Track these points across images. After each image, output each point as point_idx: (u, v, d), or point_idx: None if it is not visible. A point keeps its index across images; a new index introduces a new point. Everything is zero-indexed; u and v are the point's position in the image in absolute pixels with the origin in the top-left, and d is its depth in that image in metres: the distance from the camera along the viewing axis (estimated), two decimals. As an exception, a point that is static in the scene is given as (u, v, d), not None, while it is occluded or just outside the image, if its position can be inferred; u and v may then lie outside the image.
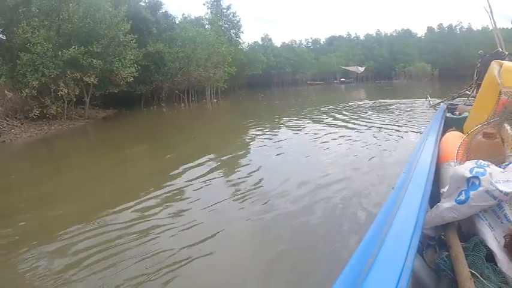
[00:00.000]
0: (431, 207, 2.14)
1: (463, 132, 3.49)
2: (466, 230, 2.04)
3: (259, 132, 16.21)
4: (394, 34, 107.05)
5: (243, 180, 8.79)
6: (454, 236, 1.89)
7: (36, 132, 21.29)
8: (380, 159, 9.91)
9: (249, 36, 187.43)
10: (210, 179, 9.07)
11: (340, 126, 16.29)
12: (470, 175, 1.95)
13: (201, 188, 8.44)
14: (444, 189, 2.21)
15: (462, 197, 1.94)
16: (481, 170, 1.95)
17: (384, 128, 14.76)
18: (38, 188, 9.74)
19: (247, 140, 15.05)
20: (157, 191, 8.41)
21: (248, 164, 10.59)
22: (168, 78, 39.25)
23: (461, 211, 1.93)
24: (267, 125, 18.87)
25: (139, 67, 30.45)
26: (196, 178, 9.20)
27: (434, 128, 4.11)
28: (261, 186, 8.19)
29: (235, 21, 70.00)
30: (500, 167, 2.09)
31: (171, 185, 8.86)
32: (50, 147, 18.32)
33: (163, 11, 44.73)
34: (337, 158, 10.39)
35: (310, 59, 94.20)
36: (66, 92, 24.13)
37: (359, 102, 29.36)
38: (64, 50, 23.75)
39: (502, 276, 1.64)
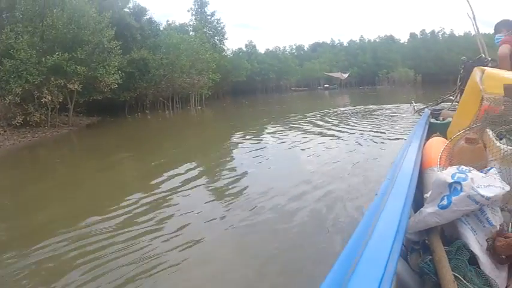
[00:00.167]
0: (416, 212, 2.17)
1: (446, 138, 3.55)
2: (449, 234, 2.08)
3: (245, 140, 16.12)
4: (377, 40, 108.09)
5: (227, 188, 8.72)
6: (438, 240, 1.92)
7: (20, 140, 20.92)
8: (365, 165, 9.90)
9: (233, 43, 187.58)
10: (194, 186, 9.00)
11: (325, 133, 16.23)
12: (452, 180, 1.99)
13: (185, 195, 8.36)
14: (427, 195, 2.25)
15: (444, 202, 1.97)
16: (463, 176, 1.99)
17: (369, 134, 14.75)
18: (18, 196, 9.64)
19: (232, 147, 14.97)
20: (142, 199, 8.26)
21: (233, 171, 10.51)
22: (153, 85, 39.05)
23: (443, 216, 1.96)
24: (252, 132, 18.73)
25: (123, 74, 30.17)
26: (180, 185, 9.16)
27: (418, 133, 4.15)
28: (246, 193, 8.09)
29: (220, 28, 70.09)
30: (482, 172, 2.14)
31: (155, 192, 8.74)
32: (33, 155, 18.05)
33: (148, 17, 44.64)
34: (322, 165, 10.32)
35: (294, 65, 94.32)
36: (49, 99, 23.85)
37: (343, 108, 29.28)
38: (48, 56, 23.51)
39: (485, 278, 1.68)
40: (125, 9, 39.38)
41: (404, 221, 1.83)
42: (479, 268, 1.76)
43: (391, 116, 21.14)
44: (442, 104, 9.14)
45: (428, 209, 2.04)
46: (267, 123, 22.95)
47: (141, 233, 6.14)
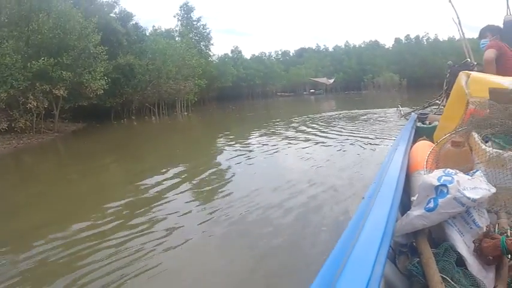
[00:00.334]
0: (403, 215, 2.18)
1: (433, 141, 3.57)
2: (436, 236, 2.08)
3: (232, 145, 15.99)
4: (362, 45, 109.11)
5: (212, 193, 8.70)
6: (425, 243, 1.93)
7: (4, 146, 20.60)
8: (353, 168, 9.91)
9: (218, 49, 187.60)
10: (179, 192, 8.93)
11: (313, 138, 16.16)
12: (439, 183, 1.99)
13: (170, 200, 8.30)
14: (414, 198, 2.26)
15: (431, 205, 1.97)
16: (449, 178, 2.00)
17: (357, 138, 14.72)
18: (4, 201, 9.57)
19: (220, 153, 14.83)
20: (127, 204, 8.32)
21: (219, 177, 10.46)
22: (138, 90, 38.95)
23: (430, 218, 1.97)
24: (240, 138, 18.63)
25: (109, 79, 30.10)
26: (166, 190, 9.13)
27: (404, 137, 4.16)
28: (231, 199, 7.97)
29: (206, 34, 70.10)
30: (468, 174, 2.15)
31: (141, 197, 8.78)
32: (18, 162, 17.91)
33: (134, 22, 44.54)
34: (310, 168, 10.33)
35: (279, 70, 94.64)
36: (35, 104, 23.67)
37: (330, 113, 29.18)
38: (33, 62, 23.38)
39: (472, 279, 1.68)
40: (111, 15, 39.30)
41: (392, 224, 1.83)
42: (467, 269, 1.76)
43: (378, 121, 21.15)
44: (429, 108, 9.22)
45: (415, 211, 2.05)
46: (254, 128, 22.82)
47: (127, 239, 6.10)
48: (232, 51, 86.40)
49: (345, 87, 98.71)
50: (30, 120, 24.48)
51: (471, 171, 2.26)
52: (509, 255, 1.70)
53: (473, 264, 1.79)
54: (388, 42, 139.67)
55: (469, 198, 1.89)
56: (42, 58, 23.74)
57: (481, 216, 1.97)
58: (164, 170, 11.38)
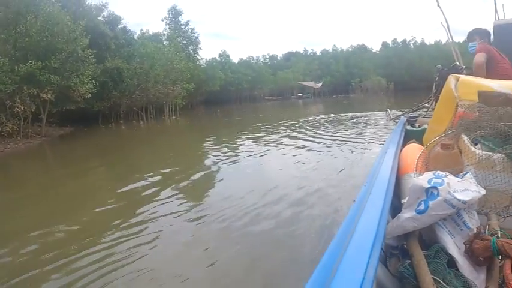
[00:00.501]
0: (393, 217, 2.19)
1: (422, 144, 3.59)
2: (427, 238, 2.09)
3: (220, 149, 15.97)
4: (349, 49, 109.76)
5: (203, 198, 8.67)
6: (416, 245, 1.93)
7: (-9, 150, 20.51)
8: (347, 172, 9.91)
9: (206, 53, 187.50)
10: (167, 196, 8.86)
11: (302, 142, 16.07)
12: (429, 186, 2.00)
13: (156, 204, 8.22)
14: (405, 200, 2.27)
15: (422, 207, 1.98)
16: (439, 181, 2.01)
17: (348, 142, 14.74)
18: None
19: (209, 158, 14.59)
20: (114, 207, 8.35)
21: (208, 181, 10.50)
22: (126, 94, 38.72)
23: (421, 220, 1.98)
24: (229, 142, 18.67)
25: (97, 83, 29.83)
26: (153, 194, 9.11)
27: (394, 140, 4.19)
28: (219, 204, 7.86)
29: (194, 38, 70.04)
30: (458, 176, 2.16)
31: (128, 202, 8.77)
32: (5, 167, 17.70)
33: (122, 26, 44.30)
34: (301, 173, 10.28)
35: (267, 74, 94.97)
36: (22, 108, 23.43)
37: (319, 117, 29.22)
38: (21, 65, 23.15)
39: (464, 280, 1.69)
40: (99, 18, 39.02)
41: (383, 227, 1.84)
42: (458, 271, 1.77)
43: (368, 124, 21.28)
44: (418, 111, 9.26)
45: (406, 214, 2.06)
46: (243, 132, 22.61)
47: (112, 244, 6.07)
48: (220, 55, 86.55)
49: (332, 91, 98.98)
50: (17, 124, 24.27)
51: (461, 174, 2.27)
52: (500, 256, 1.71)
53: (464, 265, 1.80)
54: (375, 46, 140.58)
55: (459, 200, 1.90)
56: (30, 61, 23.52)
57: (471, 217, 1.98)
58: (151, 174, 11.38)
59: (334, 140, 15.78)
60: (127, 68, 38.10)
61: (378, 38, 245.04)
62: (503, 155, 2.34)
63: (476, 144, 2.62)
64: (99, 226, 7.14)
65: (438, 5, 9.01)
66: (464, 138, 2.68)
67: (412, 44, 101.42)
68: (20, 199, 10.13)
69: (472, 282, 1.70)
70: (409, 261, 1.85)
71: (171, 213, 7.51)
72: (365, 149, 13.24)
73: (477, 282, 1.73)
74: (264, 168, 11.75)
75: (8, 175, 15.30)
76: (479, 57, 4.74)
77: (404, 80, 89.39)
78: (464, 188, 2.00)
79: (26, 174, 14.74)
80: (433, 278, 1.65)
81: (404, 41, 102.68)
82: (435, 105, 5.23)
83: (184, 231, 6.58)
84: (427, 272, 1.67)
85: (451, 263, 1.82)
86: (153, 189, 9.64)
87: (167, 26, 68.56)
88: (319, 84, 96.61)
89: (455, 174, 2.23)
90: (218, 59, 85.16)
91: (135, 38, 49.40)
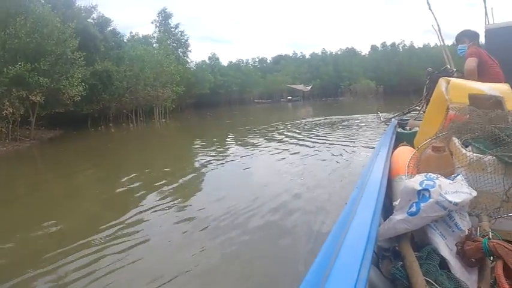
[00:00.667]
0: (385, 220, 2.19)
1: (413, 147, 3.60)
2: (419, 240, 2.09)
3: (212, 154, 15.64)
4: (339, 53, 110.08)
5: (193, 203, 8.59)
6: (408, 247, 1.93)
7: (-20, 154, 20.27)
8: (339, 175, 9.96)
9: (196, 55, 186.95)
10: (156, 200, 8.85)
11: (293, 146, 15.90)
12: (420, 188, 2.01)
13: (145, 209, 8.15)
14: (396, 202, 2.27)
15: (413, 209, 1.98)
16: (431, 183, 2.01)
17: (339, 144, 14.82)
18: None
19: (200, 162, 14.35)
20: (103, 211, 8.36)
21: (201, 188, 10.44)
22: (116, 97, 38.58)
23: (413, 222, 1.98)
24: (220, 146, 18.57)
25: (86, 86, 29.76)
26: (142, 198, 9.12)
27: (385, 143, 4.19)
28: (209, 210, 7.80)
29: (183, 40, 69.99)
30: (449, 178, 2.17)
31: (118, 206, 8.74)
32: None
33: (112, 28, 44.28)
34: (295, 175, 10.31)
35: (257, 77, 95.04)
36: (11, 111, 23.20)
37: (310, 120, 29.32)
38: (10, 67, 23.02)
39: (456, 281, 1.69)
40: (89, 20, 39.03)
41: (375, 229, 1.84)
42: (450, 272, 1.77)
43: (359, 126, 21.46)
44: (409, 114, 9.30)
45: (398, 216, 2.06)
46: (233, 136, 22.70)
47: (100, 248, 6.04)
48: (209, 58, 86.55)
49: (322, 94, 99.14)
50: (6, 127, 24.03)
51: (452, 176, 2.28)
52: (492, 257, 1.72)
53: (456, 266, 1.81)
54: (365, 50, 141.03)
55: (450, 202, 1.90)
56: (19, 63, 23.40)
57: (462, 219, 1.98)
58: (140, 176, 11.51)
59: (327, 142, 15.86)
60: (117, 71, 37.97)
61: (367, 41, 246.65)
62: (493, 157, 2.35)
63: (467, 146, 2.62)
64: (83, 228, 7.18)
65: (429, 8, 9.08)
66: (455, 140, 2.69)
67: (401, 47, 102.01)
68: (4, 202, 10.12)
69: (464, 283, 1.70)
70: (401, 263, 1.84)
71: (157, 213, 7.64)
72: (356, 152, 13.27)
73: (469, 283, 1.74)
74: (255, 171, 11.79)
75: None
76: (471, 62, 4.75)
77: (393, 83, 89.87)
78: (456, 190, 2.01)
79: (13, 178, 14.63)
80: (425, 280, 1.64)
81: (393, 44, 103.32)
82: (426, 108, 5.25)
83: (171, 233, 6.60)
84: (419, 273, 1.67)
85: (443, 264, 1.82)
86: (141, 192, 9.74)
87: (157, 29, 68.60)
88: (309, 87, 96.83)
89: (447, 177, 2.23)
90: (208, 61, 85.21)
91: (125, 40, 49.40)
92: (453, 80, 3.66)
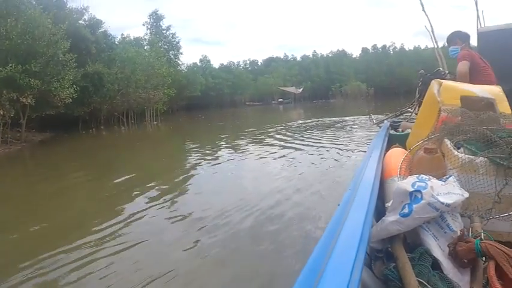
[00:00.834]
0: (378, 221, 2.19)
1: (406, 148, 3.62)
2: (412, 241, 2.09)
3: (204, 157, 15.57)
4: (329, 55, 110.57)
5: (186, 207, 8.53)
6: (400, 248, 1.94)
7: (-31, 157, 20.11)
8: (328, 174, 10.02)
9: (187, 58, 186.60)
10: (148, 202, 8.79)
11: (286, 151, 15.55)
12: (413, 189, 2.01)
13: (134, 207, 8.24)
14: (389, 204, 2.27)
15: (406, 210, 1.98)
16: (423, 184, 2.02)
17: (332, 147, 14.73)
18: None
19: (191, 165, 14.26)
20: (97, 213, 8.24)
21: (192, 190, 10.28)
22: (107, 100, 38.42)
23: (405, 224, 1.98)
24: (212, 148, 18.49)
25: (77, 88, 29.64)
26: (131, 198, 9.17)
27: (378, 145, 4.20)
28: (205, 214, 7.83)
29: (175, 43, 70.05)
30: (441, 180, 2.17)
31: (107, 207, 8.72)
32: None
33: (103, 30, 44.12)
34: (286, 179, 10.14)
35: (248, 80, 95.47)
36: (1, 113, 23.10)
37: (301, 122, 29.33)
38: (0, 68, 22.86)
39: (448, 282, 1.69)
40: (81, 21, 38.85)
41: (367, 230, 1.84)
42: (443, 273, 1.78)
43: (352, 128, 21.48)
44: (401, 116, 9.34)
45: (390, 217, 2.06)
46: (225, 138, 22.62)
47: (92, 247, 6.03)
48: (200, 61, 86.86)
49: (313, 96, 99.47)
50: (-4, 129, 23.86)
51: (444, 177, 2.28)
52: (484, 258, 1.72)
53: (448, 267, 1.81)
54: (355, 52, 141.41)
55: (442, 203, 1.91)
56: (10, 65, 23.28)
57: (454, 220, 1.99)
58: (131, 178, 11.45)
59: (323, 144, 15.87)
60: (108, 73, 37.89)
61: (357, 43, 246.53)
62: (485, 159, 2.36)
63: (459, 148, 2.63)
64: (71, 228, 7.18)
65: (423, 10, 9.17)
66: (447, 142, 2.70)
67: (391, 50, 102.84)
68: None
69: (456, 284, 1.71)
70: (394, 264, 1.84)
71: (147, 215, 7.61)
72: (349, 156, 13.25)
73: (461, 284, 1.74)
74: (246, 174, 11.72)
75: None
76: (463, 66, 4.76)
77: (384, 85, 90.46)
78: (448, 191, 2.01)
79: (2, 180, 14.54)
80: (418, 281, 1.65)
81: (384, 47, 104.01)
82: (418, 110, 5.26)
83: (163, 235, 6.56)
84: (411, 274, 1.68)
85: (436, 265, 1.82)
86: (132, 193, 9.70)
87: (148, 31, 68.76)
88: (300, 90, 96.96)
89: (439, 178, 2.24)
90: (199, 64, 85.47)
91: (116, 42, 49.33)
92: (445, 82, 3.67)
